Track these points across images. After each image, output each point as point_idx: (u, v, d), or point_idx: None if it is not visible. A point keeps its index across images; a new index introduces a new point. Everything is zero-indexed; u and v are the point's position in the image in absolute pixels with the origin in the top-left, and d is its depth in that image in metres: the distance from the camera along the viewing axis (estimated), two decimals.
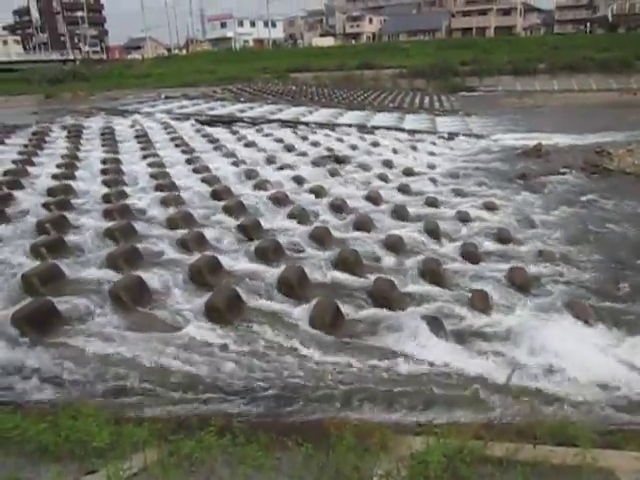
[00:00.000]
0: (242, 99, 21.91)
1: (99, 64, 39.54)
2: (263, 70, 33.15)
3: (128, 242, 5.44)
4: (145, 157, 9.78)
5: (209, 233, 5.94)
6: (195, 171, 8.59)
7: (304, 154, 11.30)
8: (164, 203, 6.72)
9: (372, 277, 4.83)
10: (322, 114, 18.19)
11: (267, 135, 13.37)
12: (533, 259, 5.77)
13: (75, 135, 11.65)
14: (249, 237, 5.91)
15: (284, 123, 15.50)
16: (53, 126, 12.53)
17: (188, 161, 9.49)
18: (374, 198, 7.78)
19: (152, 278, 4.79)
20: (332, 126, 15.50)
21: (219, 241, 5.96)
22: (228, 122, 15.54)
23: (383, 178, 9.35)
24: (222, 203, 6.88)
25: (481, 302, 4.60)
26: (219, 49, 47.41)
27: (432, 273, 4.97)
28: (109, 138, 11.62)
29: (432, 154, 11.92)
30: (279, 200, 7.23)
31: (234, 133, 13.52)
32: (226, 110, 18.05)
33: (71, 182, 7.69)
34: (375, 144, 12.95)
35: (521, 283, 4.97)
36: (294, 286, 4.55)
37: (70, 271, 4.94)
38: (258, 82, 29.62)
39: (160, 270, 4.93)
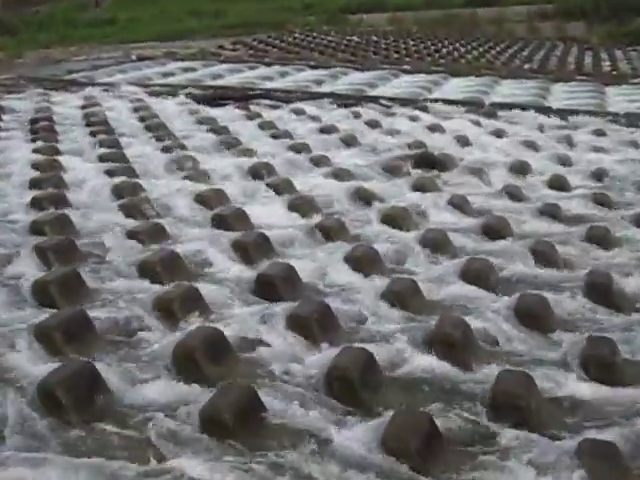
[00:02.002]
0: (267, 60, 18.35)
1: (32, 5, 31.30)
2: (303, 10, 28.25)
3: None
4: (102, 160, 8.21)
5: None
6: (194, 196, 6.89)
7: (373, 151, 9.01)
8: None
9: None
10: (405, 84, 15.20)
11: (309, 119, 10.91)
12: None
13: None
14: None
15: (339, 100, 12.72)
16: None
17: (173, 167, 8.06)
18: (497, 232, 6.13)
19: None
20: (422, 104, 12.57)
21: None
22: (243, 99, 12.65)
23: (513, 195, 7.24)
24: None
25: None
26: None
27: None
28: (44, 129, 9.63)
29: (600, 151, 9.39)
30: (326, 235, 5.89)
31: (253, 117, 11.01)
32: (240, 78, 15.27)
33: None
34: (498, 134, 10.24)
35: None
36: None
37: None
38: (295, 31, 25.17)
39: None
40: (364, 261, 5.37)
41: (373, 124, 10.50)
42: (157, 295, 4.39)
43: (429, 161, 8.36)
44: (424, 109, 11.92)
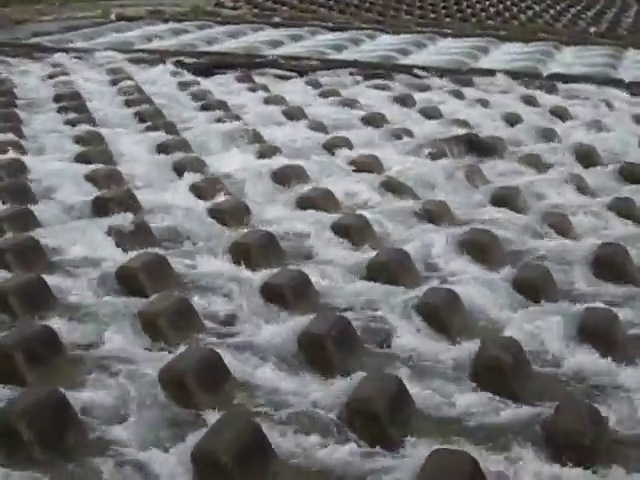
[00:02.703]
0: (275, 20, 17.16)
1: None
2: None
3: None
4: (78, 142, 7.50)
5: None
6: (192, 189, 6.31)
7: (406, 134, 8.26)
8: None
9: None
10: (444, 50, 14.41)
11: (327, 94, 10.14)
12: None
13: None
14: None
15: (364, 70, 11.65)
16: None
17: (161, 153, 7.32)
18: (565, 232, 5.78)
19: None
20: (466, 75, 11.61)
21: None
22: (244, 66, 11.63)
23: (580, 187, 6.82)
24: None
25: None
26: None
27: None
28: (4, 104, 9.00)
29: None
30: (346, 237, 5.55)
31: (256, 89, 10.28)
32: (242, 43, 14.31)
33: None
34: (557, 113, 9.55)
35: None
36: None
37: None
38: None
39: None
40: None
41: (405, 100, 9.82)
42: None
43: (475, 144, 7.88)
44: (468, 82, 11.22)
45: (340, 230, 5.42)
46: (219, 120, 8.36)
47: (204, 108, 9.02)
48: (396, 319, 4.18)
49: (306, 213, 5.89)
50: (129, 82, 10.15)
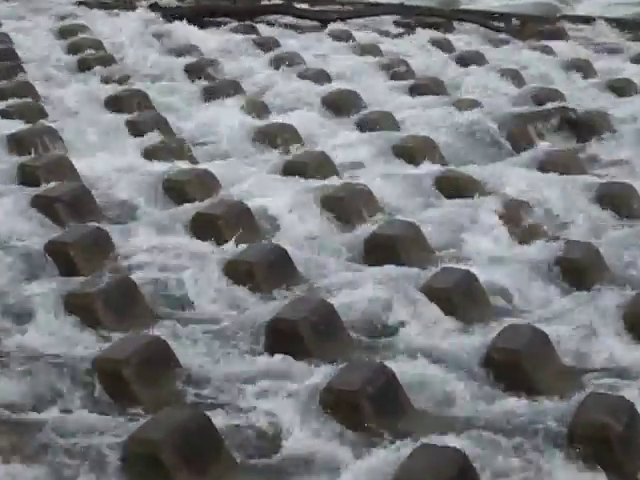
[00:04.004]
0: None
1: None
2: None
3: None
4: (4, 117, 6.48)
5: None
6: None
7: (473, 106, 6.55)
8: None
9: None
10: None
11: (359, 51, 8.24)
12: None
13: None
14: None
15: (411, 17, 9.37)
16: None
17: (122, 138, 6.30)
18: None
19: None
20: (556, 25, 9.64)
21: None
22: (246, 15, 9.42)
23: None
24: None
25: None
26: None
27: None
28: None
29: None
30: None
31: (264, 46, 8.30)
32: None
33: None
34: None
35: None
36: None
37: None
38: None
39: None
40: None
41: (472, 61, 8.36)
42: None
43: (570, 123, 6.65)
44: (559, 33, 9.65)
45: None
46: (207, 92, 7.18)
47: (187, 71, 7.62)
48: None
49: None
50: (85, 36, 9.20)
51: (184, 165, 5.79)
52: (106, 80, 7.75)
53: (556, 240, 4.94)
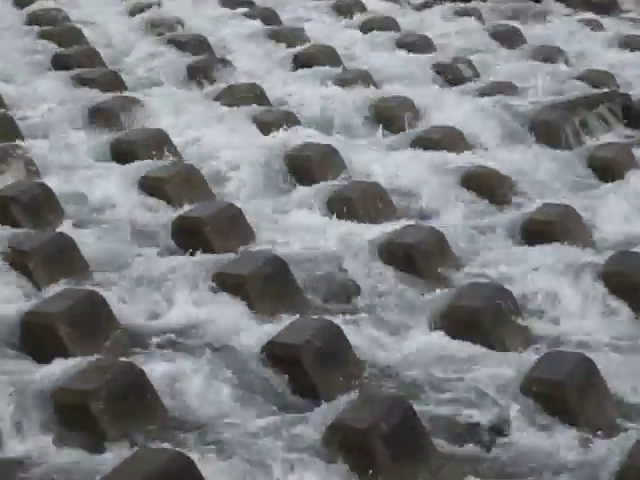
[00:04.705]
0: None
1: None
2: None
3: None
4: None
5: None
6: None
7: (511, 92, 6.42)
8: None
9: None
10: None
11: (367, 29, 7.88)
12: None
13: None
14: None
15: None
16: None
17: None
18: None
19: None
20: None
21: None
22: None
23: None
24: None
25: None
26: None
27: None
28: None
29: None
30: None
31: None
32: None
33: None
34: None
35: None
36: None
37: None
38: None
39: None
40: None
41: (505, 36, 7.73)
42: None
43: (626, 110, 6.44)
44: (608, 5, 8.93)
45: None
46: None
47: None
48: None
49: None
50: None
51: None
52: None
53: None
